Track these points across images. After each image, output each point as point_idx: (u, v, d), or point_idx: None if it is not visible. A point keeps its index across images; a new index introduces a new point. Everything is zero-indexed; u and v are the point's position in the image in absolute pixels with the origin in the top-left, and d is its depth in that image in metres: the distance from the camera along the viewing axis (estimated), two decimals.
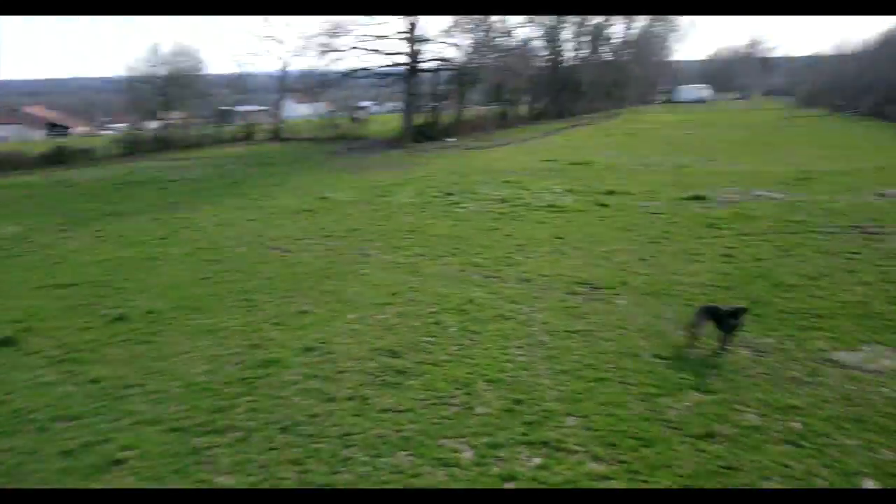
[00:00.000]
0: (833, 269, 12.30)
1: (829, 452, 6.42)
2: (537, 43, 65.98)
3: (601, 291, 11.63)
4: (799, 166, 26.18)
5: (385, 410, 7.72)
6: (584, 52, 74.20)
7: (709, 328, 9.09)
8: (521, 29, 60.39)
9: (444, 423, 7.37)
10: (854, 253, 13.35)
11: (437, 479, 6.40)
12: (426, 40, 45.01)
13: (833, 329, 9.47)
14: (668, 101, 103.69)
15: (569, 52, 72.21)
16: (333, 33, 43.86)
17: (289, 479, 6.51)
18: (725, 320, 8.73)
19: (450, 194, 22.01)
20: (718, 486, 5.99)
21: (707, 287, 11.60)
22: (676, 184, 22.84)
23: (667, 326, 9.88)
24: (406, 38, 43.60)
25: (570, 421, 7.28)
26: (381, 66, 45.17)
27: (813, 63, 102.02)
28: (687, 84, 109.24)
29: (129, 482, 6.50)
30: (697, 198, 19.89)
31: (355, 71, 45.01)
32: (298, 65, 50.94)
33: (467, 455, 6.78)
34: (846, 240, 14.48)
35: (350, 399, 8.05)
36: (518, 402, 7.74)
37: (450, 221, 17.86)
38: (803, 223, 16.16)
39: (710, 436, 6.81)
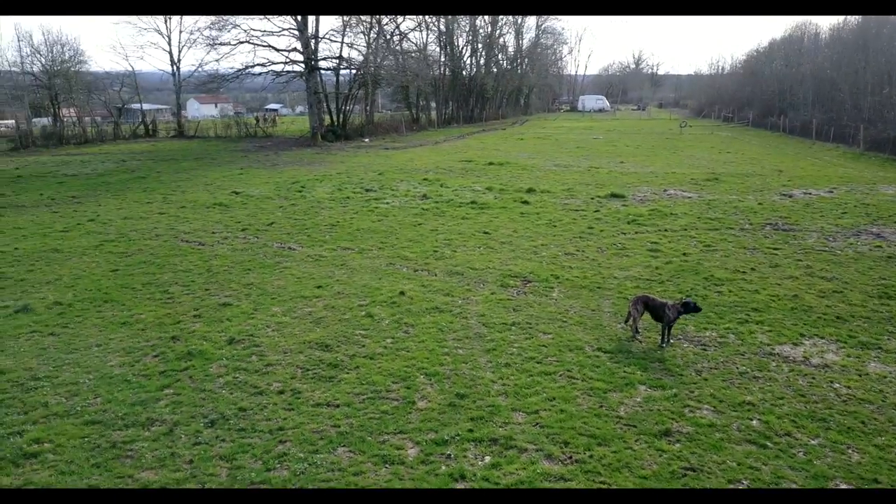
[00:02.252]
0: (758, 264, 12.51)
1: (795, 453, 6.13)
2: (434, 48, 66.79)
3: (534, 284, 11.29)
4: (705, 168, 27.24)
5: (319, 405, 7.02)
6: (482, 60, 75.88)
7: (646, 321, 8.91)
8: (416, 33, 60.80)
9: (385, 419, 6.73)
10: (774, 249, 13.69)
11: (380, 477, 5.75)
12: (318, 38, 43.74)
13: (771, 323, 9.44)
14: (572, 110, 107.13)
15: (467, 60, 73.76)
16: (221, 26, 41.86)
17: (219, 476, 5.75)
18: (667, 311, 8.49)
19: (369, 190, 21.26)
20: (684, 488, 5.60)
21: (640, 280, 11.48)
22: (592, 183, 23.13)
23: (606, 320, 9.61)
24: (296, 35, 42.12)
25: (518, 417, 6.79)
26: (276, 63, 43.50)
27: (695, 80, 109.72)
28: (584, 95, 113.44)
29: (45, 476, 5.73)
30: (615, 196, 20.17)
31: (250, 67, 43.01)
32: (189, 60, 48.87)
33: (412, 452, 6.16)
34: (763, 236, 14.89)
35: (281, 393, 7.31)
36: (461, 396, 7.19)
37: (373, 216, 17.14)
38: (720, 220, 16.59)
39: (667, 434, 6.44)
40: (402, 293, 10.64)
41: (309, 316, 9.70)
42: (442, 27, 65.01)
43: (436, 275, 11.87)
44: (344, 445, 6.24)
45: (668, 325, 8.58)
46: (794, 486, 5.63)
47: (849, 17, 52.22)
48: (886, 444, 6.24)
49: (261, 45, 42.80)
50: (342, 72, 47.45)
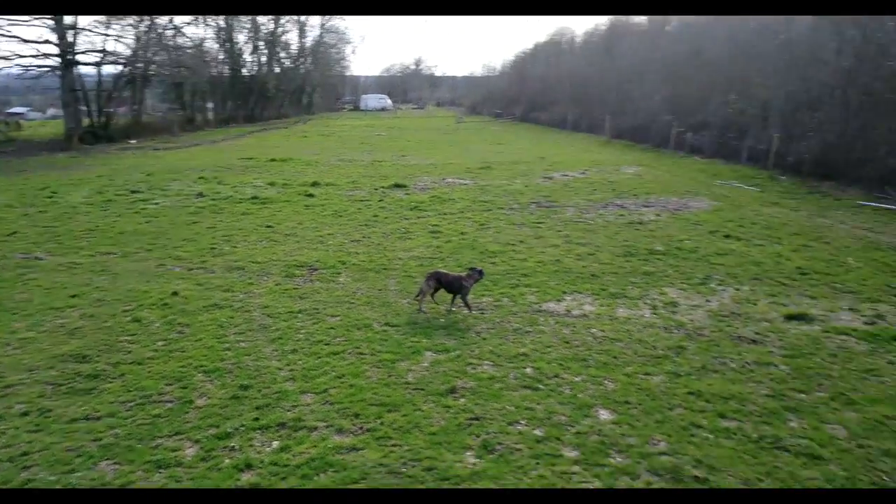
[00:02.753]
0: (525, 237, 13.62)
1: (563, 391, 6.80)
2: (213, 45, 63.29)
3: (321, 272, 11.17)
4: (479, 159, 29.00)
5: (76, 420, 6.27)
6: (263, 59, 73.51)
7: (436, 295, 9.27)
8: (192, 28, 56.93)
9: (157, 423, 6.22)
10: (539, 223, 15.00)
11: (153, 483, 5.31)
12: (77, 28, 38.64)
13: (538, 285, 10.35)
14: (356, 109, 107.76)
15: (248, 57, 70.89)
16: None
17: None
18: (465, 283, 8.95)
19: (136, 192, 19.41)
20: (469, 437, 5.92)
21: (423, 259, 11.90)
22: (376, 175, 23.47)
23: (393, 297, 9.81)
24: (51, 25, 36.86)
25: (307, 398, 6.69)
26: (25, 56, 37.52)
27: (469, 80, 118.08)
28: (367, 95, 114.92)
29: None
30: (398, 186, 20.67)
31: None
32: None
33: (190, 451, 5.77)
34: (529, 213, 16.23)
35: (25, 415, 6.38)
36: (245, 387, 6.90)
37: (139, 218, 15.69)
38: (492, 202, 17.78)
39: (452, 391, 6.78)
40: (174, 293, 9.89)
41: (61, 328, 8.58)
42: (221, 23, 61.47)
43: (214, 272, 11.23)
44: (108, 458, 5.65)
45: (465, 294, 9.00)
46: (563, 417, 6.22)
47: (598, 24, 58.96)
48: (633, 372, 7.16)
49: (6, 35, 36.54)
50: (107, 67, 42.59)
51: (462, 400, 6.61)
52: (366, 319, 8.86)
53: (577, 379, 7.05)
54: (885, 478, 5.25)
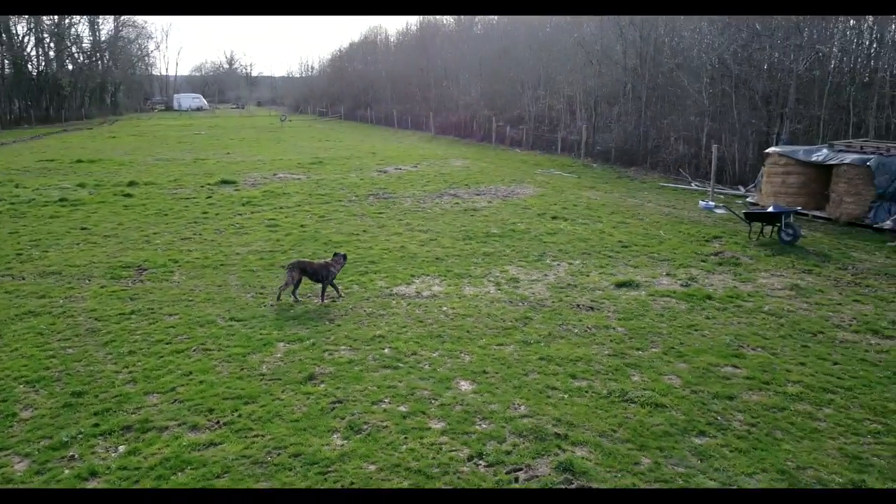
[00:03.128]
0: (368, 227, 13.67)
1: (422, 367, 6.91)
2: None
3: (151, 272, 10.38)
4: (309, 154, 28.52)
5: None
6: (52, 53, 66.19)
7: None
8: None
9: None
10: (379, 213, 15.13)
11: None
12: None
13: (387, 270, 10.46)
14: (168, 109, 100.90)
15: (31, 51, 63.35)
16: None
17: None
18: (333, 269, 8.82)
19: None
20: (333, 420, 5.83)
21: (263, 253, 11.50)
22: (200, 173, 22.22)
23: (235, 292, 9.38)
24: None
25: (153, 399, 6.22)
26: None
27: (288, 80, 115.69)
28: (180, 94, 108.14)
29: None
30: (226, 182, 19.76)
31: None
32: None
33: (21, 466, 5.16)
34: (368, 204, 16.28)
35: None
36: (78, 394, 6.27)
37: None
38: (329, 195, 17.59)
39: (311, 378, 6.63)
40: None
41: None
42: None
43: (24, 278, 10.01)
44: None
45: (332, 280, 8.86)
46: (426, 392, 6.33)
47: (410, 24, 60.03)
48: (487, 344, 7.49)
49: None
50: None
51: (322, 385, 6.49)
52: (208, 316, 8.40)
53: (434, 355, 7.21)
54: (718, 417, 5.91)
